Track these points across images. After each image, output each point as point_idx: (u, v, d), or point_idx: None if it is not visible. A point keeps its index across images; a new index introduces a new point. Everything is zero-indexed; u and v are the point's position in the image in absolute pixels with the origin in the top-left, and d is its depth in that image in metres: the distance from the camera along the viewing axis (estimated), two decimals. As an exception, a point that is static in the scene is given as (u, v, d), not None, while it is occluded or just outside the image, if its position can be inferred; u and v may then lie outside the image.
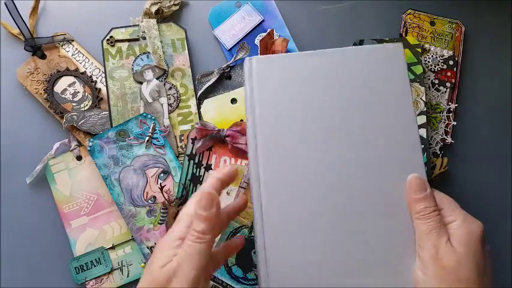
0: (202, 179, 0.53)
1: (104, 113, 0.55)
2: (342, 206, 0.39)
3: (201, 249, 0.34)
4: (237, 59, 0.56)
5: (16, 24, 0.56)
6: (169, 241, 0.36)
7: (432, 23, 0.60)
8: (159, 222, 0.52)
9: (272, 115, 0.41)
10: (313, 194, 0.39)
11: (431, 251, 0.36)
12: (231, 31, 0.59)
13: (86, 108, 0.56)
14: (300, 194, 0.39)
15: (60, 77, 0.56)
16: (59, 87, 0.56)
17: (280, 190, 0.39)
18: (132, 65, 0.56)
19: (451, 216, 0.38)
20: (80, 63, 0.57)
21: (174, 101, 0.56)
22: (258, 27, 0.59)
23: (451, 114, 0.58)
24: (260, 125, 0.40)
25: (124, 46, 0.57)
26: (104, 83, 0.56)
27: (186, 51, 0.57)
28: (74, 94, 0.56)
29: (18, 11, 0.56)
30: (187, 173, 0.53)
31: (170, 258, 0.34)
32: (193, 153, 0.53)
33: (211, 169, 0.53)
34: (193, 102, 0.56)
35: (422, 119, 0.56)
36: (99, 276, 0.52)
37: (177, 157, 0.55)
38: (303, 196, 0.39)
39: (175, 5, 0.59)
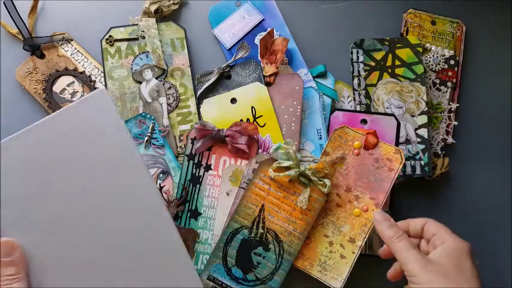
0: (202, 180, 0.53)
1: (103, 112, 0.55)
2: None
3: (19, 287, 0.38)
4: (236, 58, 0.56)
5: (15, 23, 0.56)
6: None
7: (433, 23, 0.60)
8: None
9: (12, 208, 0.39)
10: None
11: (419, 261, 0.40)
12: (230, 30, 0.58)
13: (84, 108, 0.55)
14: None
15: (59, 76, 0.56)
16: (57, 87, 0.56)
17: None
18: (131, 65, 0.56)
19: (443, 238, 0.42)
20: (79, 62, 0.57)
21: (174, 100, 0.56)
22: (258, 27, 0.58)
23: (452, 114, 0.58)
24: (3, 223, 0.39)
25: (123, 45, 0.56)
26: (103, 83, 0.56)
27: (186, 50, 0.57)
28: (73, 94, 0.56)
29: (17, 11, 0.56)
30: (186, 173, 0.53)
31: None
32: (193, 153, 0.53)
33: (211, 169, 0.53)
34: (192, 102, 0.56)
35: (424, 119, 0.56)
36: (98, 277, 0.52)
37: (177, 157, 0.54)
38: None
39: (174, 4, 0.59)
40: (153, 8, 0.57)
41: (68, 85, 0.56)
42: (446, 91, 0.58)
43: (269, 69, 0.55)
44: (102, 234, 0.40)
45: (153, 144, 0.54)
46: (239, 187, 0.52)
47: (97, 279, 0.39)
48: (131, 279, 0.39)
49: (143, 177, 0.40)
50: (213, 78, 0.56)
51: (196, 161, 0.53)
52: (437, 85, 0.58)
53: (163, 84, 0.56)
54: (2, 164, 0.40)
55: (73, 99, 0.56)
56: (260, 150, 0.53)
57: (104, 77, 0.55)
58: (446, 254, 0.41)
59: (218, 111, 0.55)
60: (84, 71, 0.57)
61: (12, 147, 0.40)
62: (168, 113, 0.55)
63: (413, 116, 0.56)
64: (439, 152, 0.57)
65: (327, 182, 0.50)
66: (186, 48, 0.57)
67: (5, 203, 0.39)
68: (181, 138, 0.55)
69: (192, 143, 0.53)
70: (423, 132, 0.56)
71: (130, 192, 0.40)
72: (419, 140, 0.55)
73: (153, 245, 0.40)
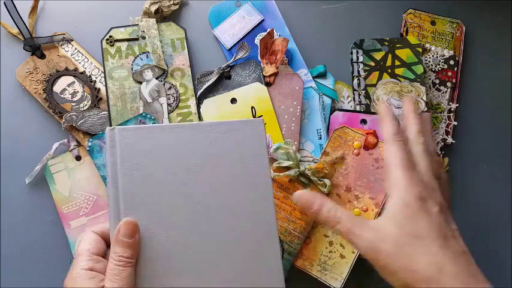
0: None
1: (103, 112, 0.55)
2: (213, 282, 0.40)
3: (131, 272, 0.37)
4: (236, 58, 0.56)
5: (15, 23, 0.56)
6: (84, 275, 0.38)
7: (433, 23, 0.60)
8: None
9: (136, 189, 0.40)
10: (185, 280, 0.39)
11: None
12: (230, 30, 0.58)
13: (85, 108, 0.56)
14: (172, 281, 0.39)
15: (60, 76, 0.56)
16: (58, 87, 0.56)
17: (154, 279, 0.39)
18: (132, 65, 0.56)
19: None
20: (79, 62, 0.57)
21: (174, 101, 0.56)
22: (258, 27, 0.58)
23: (451, 114, 0.58)
24: (124, 200, 0.39)
25: (123, 46, 0.57)
26: (103, 83, 0.56)
27: (186, 50, 0.57)
28: (73, 94, 0.56)
29: (17, 11, 0.56)
30: (187, 173, 0.53)
31: (100, 286, 0.37)
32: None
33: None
34: (192, 102, 0.56)
35: (423, 119, 0.56)
36: (98, 277, 0.52)
37: (177, 157, 0.55)
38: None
39: (174, 4, 0.59)
40: (153, 8, 0.58)
41: (69, 85, 0.56)
42: (446, 91, 0.58)
43: (269, 70, 0.55)
44: (215, 244, 0.40)
45: (153, 144, 0.54)
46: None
47: (198, 285, 0.39)
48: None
49: (267, 199, 0.42)
50: (213, 79, 0.56)
51: (196, 161, 0.53)
52: (437, 85, 0.58)
53: (164, 84, 0.56)
54: (147, 145, 0.40)
55: (73, 99, 0.56)
56: (260, 150, 0.53)
57: (104, 77, 0.56)
58: (388, 216, 0.37)
59: (218, 111, 0.55)
60: (84, 71, 0.57)
61: (162, 134, 0.41)
62: (169, 113, 0.56)
63: (413, 116, 0.56)
64: (439, 152, 0.57)
65: (327, 181, 0.50)
66: (186, 48, 0.57)
67: (134, 185, 0.39)
68: (182, 138, 0.55)
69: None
70: (423, 132, 0.56)
71: (251, 208, 0.42)
72: (419, 140, 0.55)
73: (257, 270, 0.41)
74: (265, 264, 0.41)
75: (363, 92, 0.56)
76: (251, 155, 0.42)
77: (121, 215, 0.39)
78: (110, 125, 0.54)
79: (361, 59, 0.57)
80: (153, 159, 0.40)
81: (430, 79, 0.58)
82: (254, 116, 0.54)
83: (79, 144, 0.55)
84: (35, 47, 0.56)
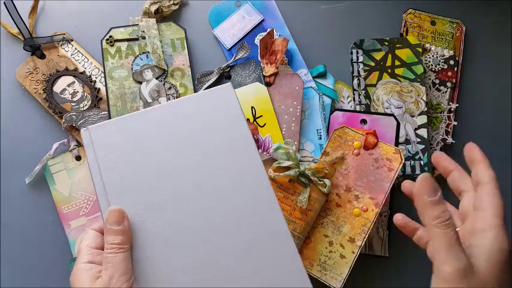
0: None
1: (103, 112, 0.55)
2: (211, 268, 0.39)
3: (125, 257, 0.38)
4: (236, 58, 0.56)
5: (15, 23, 0.56)
6: (83, 268, 0.38)
7: (433, 23, 0.60)
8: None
9: (119, 179, 0.40)
10: (177, 266, 0.39)
11: (456, 265, 0.34)
12: (230, 31, 0.58)
13: (85, 108, 0.56)
14: (166, 271, 0.39)
15: (60, 76, 0.56)
16: (58, 87, 0.56)
17: (147, 272, 0.38)
18: (132, 65, 0.56)
19: (485, 228, 0.36)
20: (79, 63, 0.57)
21: (174, 100, 0.56)
22: (258, 27, 0.58)
23: (451, 114, 0.58)
24: (108, 192, 0.40)
25: (123, 46, 0.57)
26: (103, 83, 0.56)
27: (186, 50, 0.57)
28: (73, 94, 0.56)
29: (17, 11, 0.56)
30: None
31: (97, 276, 0.38)
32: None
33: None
34: (193, 102, 0.56)
35: (423, 119, 0.56)
36: (98, 277, 0.52)
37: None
38: (169, 275, 0.39)
39: (174, 4, 0.59)
40: (153, 8, 0.58)
41: (69, 85, 0.56)
42: (446, 91, 0.58)
43: (269, 70, 0.55)
44: (210, 215, 0.40)
45: (153, 144, 0.54)
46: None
47: (199, 260, 0.39)
48: (238, 265, 0.39)
49: (256, 166, 0.42)
50: (213, 79, 0.56)
51: (196, 161, 0.53)
52: (437, 85, 0.58)
53: (164, 84, 0.56)
54: (122, 136, 0.41)
55: (73, 99, 0.56)
56: (260, 150, 0.53)
57: (104, 77, 0.56)
58: (488, 258, 0.35)
59: (218, 111, 0.55)
60: (84, 71, 0.57)
61: (134, 123, 0.42)
62: (168, 113, 0.55)
63: (413, 116, 0.56)
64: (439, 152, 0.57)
65: (327, 182, 0.50)
66: (186, 48, 0.57)
67: (118, 173, 0.40)
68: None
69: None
70: (423, 132, 0.56)
71: (242, 179, 0.41)
72: (419, 140, 0.56)
73: (261, 233, 0.40)
74: (275, 251, 0.40)
75: (363, 92, 0.56)
76: (228, 121, 0.43)
77: (109, 206, 0.40)
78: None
79: (361, 59, 0.57)
80: (131, 148, 0.41)
81: (430, 79, 0.58)
82: (254, 117, 0.54)
83: (79, 144, 0.55)
84: (35, 47, 0.56)
